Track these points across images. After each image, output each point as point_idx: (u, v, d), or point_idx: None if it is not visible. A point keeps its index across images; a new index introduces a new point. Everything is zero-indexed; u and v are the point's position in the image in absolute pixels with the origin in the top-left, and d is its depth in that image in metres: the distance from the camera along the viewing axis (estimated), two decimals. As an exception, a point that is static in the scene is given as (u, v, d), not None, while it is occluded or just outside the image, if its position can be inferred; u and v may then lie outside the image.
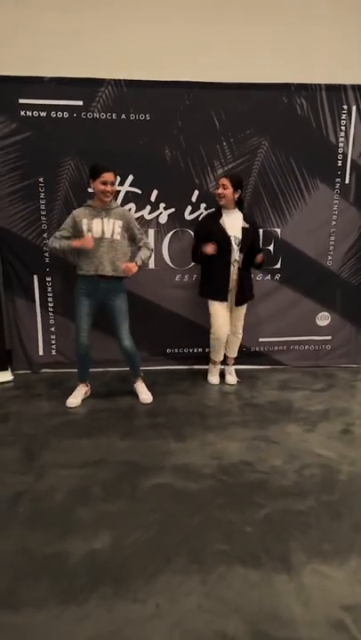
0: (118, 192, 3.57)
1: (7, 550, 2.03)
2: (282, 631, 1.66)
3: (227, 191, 3.35)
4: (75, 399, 3.40)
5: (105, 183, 2.99)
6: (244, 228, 3.43)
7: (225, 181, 3.36)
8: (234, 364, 3.93)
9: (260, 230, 3.74)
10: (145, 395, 3.48)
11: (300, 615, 1.72)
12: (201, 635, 1.64)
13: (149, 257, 3.28)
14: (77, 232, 3.10)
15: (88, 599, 1.78)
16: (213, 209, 3.57)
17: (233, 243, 3.41)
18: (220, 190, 3.37)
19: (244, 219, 3.47)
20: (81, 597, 1.79)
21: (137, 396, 3.51)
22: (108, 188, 3.01)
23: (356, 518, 2.25)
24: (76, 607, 1.75)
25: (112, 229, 3.08)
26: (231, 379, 3.86)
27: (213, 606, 1.75)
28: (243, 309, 3.69)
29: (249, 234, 3.45)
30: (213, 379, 3.85)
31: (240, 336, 3.81)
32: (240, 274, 3.49)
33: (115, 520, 2.22)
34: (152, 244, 3.57)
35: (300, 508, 2.32)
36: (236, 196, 3.40)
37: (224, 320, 3.59)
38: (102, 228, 3.07)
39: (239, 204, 3.49)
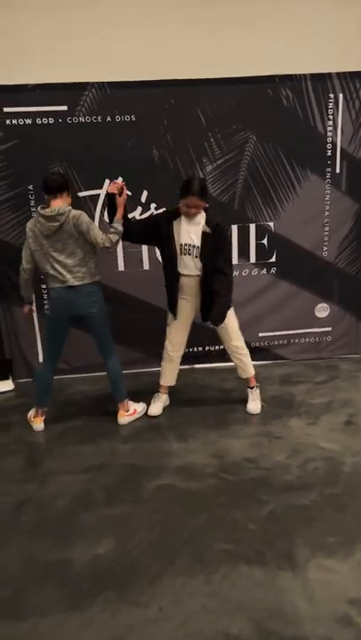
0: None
1: (11, 559, 2.04)
2: (287, 629, 1.64)
3: (197, 210, 2.85)
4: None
5: None
6: (204, 233, 2.90)
7: (195, 201, 2.80)
8: (251, 387, 3.34)
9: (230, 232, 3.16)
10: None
11: (305, 611, 1.71)
12: (205, 636, 1.63)
13: None
14: None
15: (92, 605, 1.78)
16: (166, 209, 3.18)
17: (180, 251, 2.93)
18: (193, 211, 2.85)
19: (207, 222, 2.91)
20: (85, 603, 1.79)
21: (134, 398, 3.40)
22: None
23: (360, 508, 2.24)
24: (80, 613, 1.74)
25: None
26: (252, 406, 3.28)
27: (218, 606, 1.74)
28: (223, 327, 3.08)
29: (209, 242, 2.90)
30: (152, 407, 3.29)
31: (239, 356, 3.24)
32: (202, 286, 3.00)
33: (118, 524, 2.21)
34: None
35: (303, 502, 2.31)
36: (205, 203, 2.88)
37: (176, 337, 3.17)
38: None
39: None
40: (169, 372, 3.32)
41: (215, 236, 2.91)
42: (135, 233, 3.05)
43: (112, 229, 2.85)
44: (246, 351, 3.28)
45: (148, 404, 3.33)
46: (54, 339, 3.08)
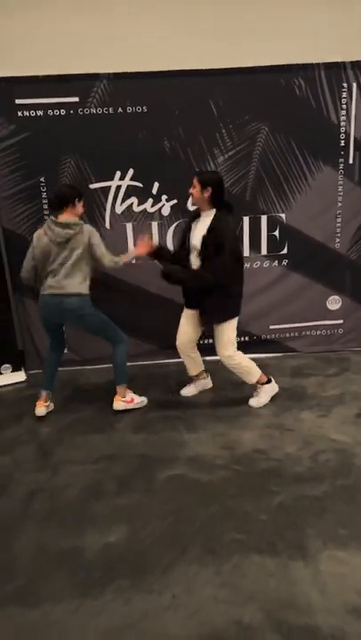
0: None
1: (25, 547, 2.06)
2: (299, 619, 1.65)
3: (193, 190, 2.91)
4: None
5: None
6: (203, 236, 2.91)
7: (194, 180, 2.91)
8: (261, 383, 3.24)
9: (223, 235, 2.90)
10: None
11: (316, 602, 1.71)
12: (217, 624, 1.64)
13: None
14: None
15: (104, 592, 1.79)
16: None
17: (192, 252, 3.00)
18: (190, 191, 2.95)
19: (211, 223, 2.90)
20: (97, 591, 1.80)
21: (145, 390, 3.45)
22: None
23: (373, 502, 2.23)
24: (92, 601, 1.76)
25: None
26: (253, 401, 3.23)
27: (229, 596, 1.75)
28: (216, 330, 3.07)
29: (207, 243, 2.89)
30: (185, 389, 3.47)
31: (231, 367, 3.14)
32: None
33: (129, 513, 2.23)
34: None
35: (315, 493, 2.30)
36: (207, 194, 2.88)
37: (184, 328, 3.23)
38: None
39: (225, 205, 2.97)
40: (189, 365, 3.39)
41: (212, 238, 2.88)
42: (183, 256, 3.10)
43: (117, 258, 3.01)
44: (239, 362, 3.12)
45: (153, 397, 3.36)
46: (49, 333, 3.25)
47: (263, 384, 3.25)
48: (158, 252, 3.20)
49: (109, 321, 3.14)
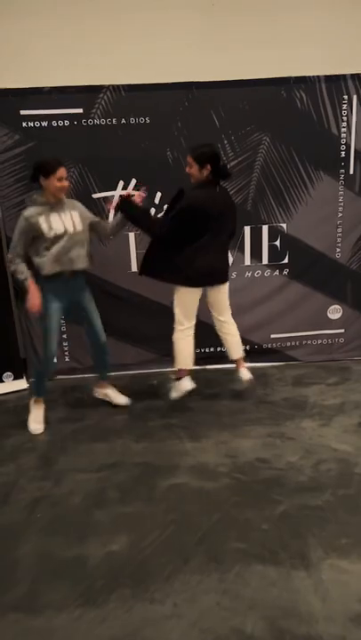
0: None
1: (27, 555, 2.07)
2: (301, 627, 1.65)
3: (191, 170, 2.98)
4: (40, 424, 3.20)
5: (61, 179, 2.88)
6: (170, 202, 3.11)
7: (189, 159, 2.98)
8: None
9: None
10: (122, 398, 3.45)
11: (319, 610, 1.71)
12: (219, 633, 1.64)
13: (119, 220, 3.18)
14: (35, 233, 2.88)
15: (107, 601, 1.80)
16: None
17: None
18: (188, 169, 3.01)
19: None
20: (100, 599, 1.81)
21: (147, 398, 3.48)
22: (65, 183, 2.91)
23: (374, 511, 2.23)
24: (95, 609, 1.77)
25: (72, 222, 2.97)
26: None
27: (231, 604, 1.76)
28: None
29: (174, 207, 3.04)
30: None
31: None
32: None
33: (132, 521, 2.23)
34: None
35: (317, 503, 2.31)
36: (206, 172, 2.94)
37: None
38: (63, 223, 2.93)
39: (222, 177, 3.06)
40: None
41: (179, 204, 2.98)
42: None
43: (22, 273, 2.91)
44: (176, 341, 3.23)
45: (154, 405, 3.37)
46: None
47: (179, 379, 3.31)
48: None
49: (47, 328, 3.05)
